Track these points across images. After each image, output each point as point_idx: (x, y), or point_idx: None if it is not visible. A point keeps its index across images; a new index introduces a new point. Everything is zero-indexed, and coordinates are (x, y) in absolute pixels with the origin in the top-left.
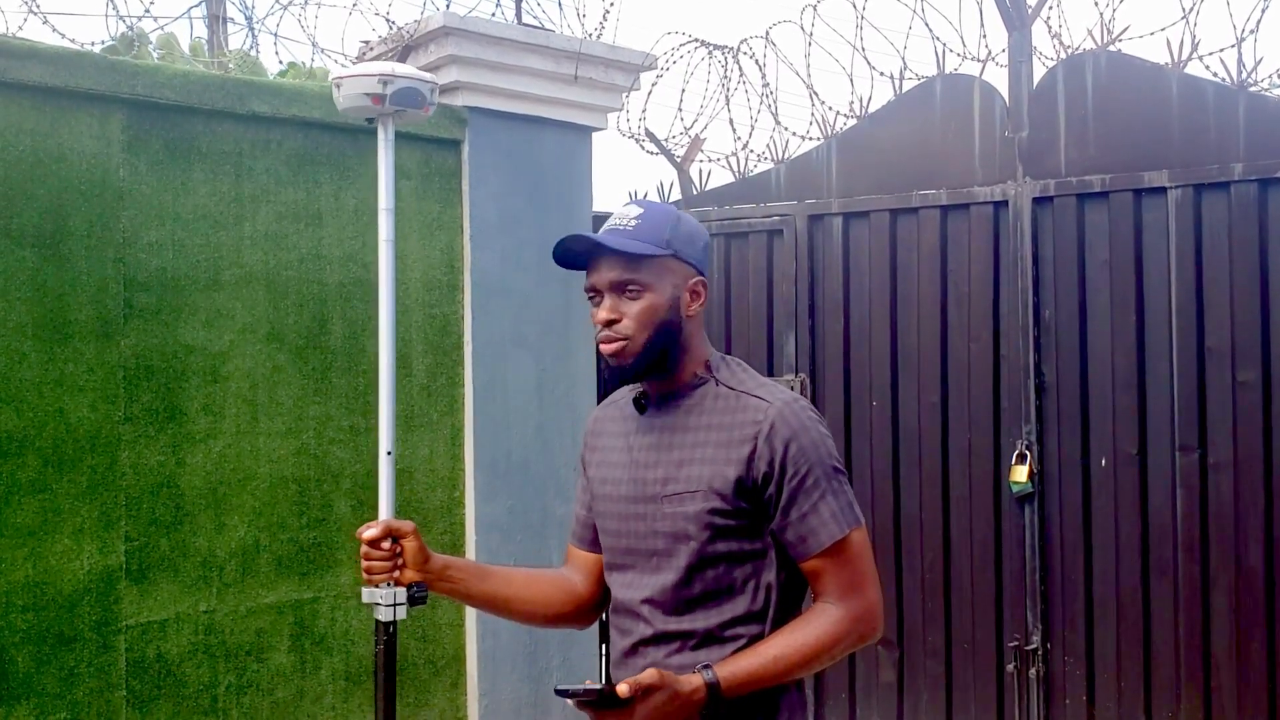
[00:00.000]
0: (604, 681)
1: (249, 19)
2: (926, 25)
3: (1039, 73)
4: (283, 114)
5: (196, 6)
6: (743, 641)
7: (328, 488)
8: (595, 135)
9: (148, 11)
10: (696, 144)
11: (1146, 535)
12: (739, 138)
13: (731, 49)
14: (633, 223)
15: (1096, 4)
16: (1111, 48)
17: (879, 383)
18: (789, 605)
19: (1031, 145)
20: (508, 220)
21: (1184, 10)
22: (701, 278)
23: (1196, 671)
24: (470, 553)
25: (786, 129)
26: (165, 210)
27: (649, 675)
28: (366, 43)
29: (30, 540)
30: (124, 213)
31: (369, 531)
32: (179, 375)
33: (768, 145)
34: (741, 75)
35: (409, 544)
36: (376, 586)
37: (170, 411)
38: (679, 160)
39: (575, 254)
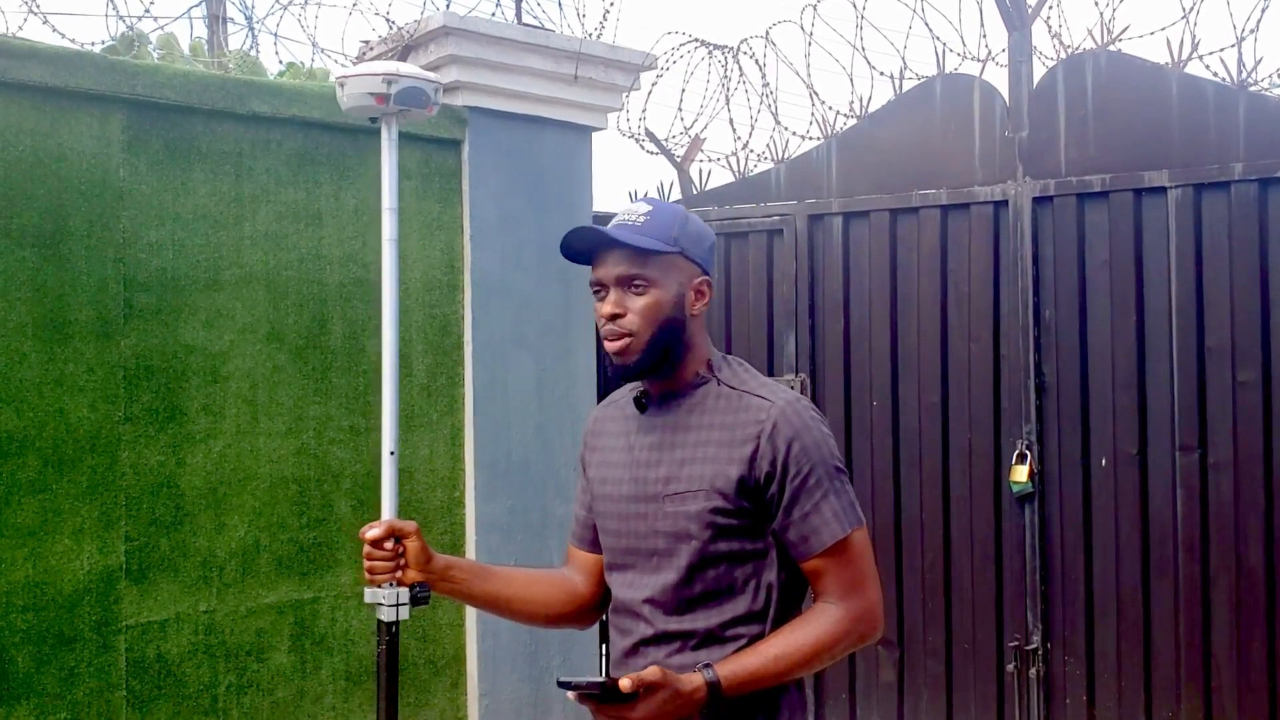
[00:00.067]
0: (606, 677)
1: (249, 19)
2: (926, 25)
3: (1039, 72)
4: (283, 114)
5: (196, 6)
6: (743, 641)
7: (328, 488)
8: (595, 135)
9: (148, 11)
10: (696, 144)
11: (1147, 535)
12: (739, 138)
13: (731, 49)
14: (641, 219)
15: (1096, 4)
16: (1111, 47)
17: (879, 383)
18: (789, 605)
19: (1031, 145)
20: (508, 220)
21: (1184, 10)
22: (707, 277)
23: (1196, 671)
24: (470, 553)
25: (786, 129)
26: (165, 210)
27: (652, 672)
28: (366, 43)
29: (30, 540)
30: (124, 213)
31: (372, 532)
32: (179, 375)
33: (768, 145)
34: (741, 75)
35: (411, 544)
36: (379, 587)
37: (170, 411)
38: (679, 160)
39: (581, 248)
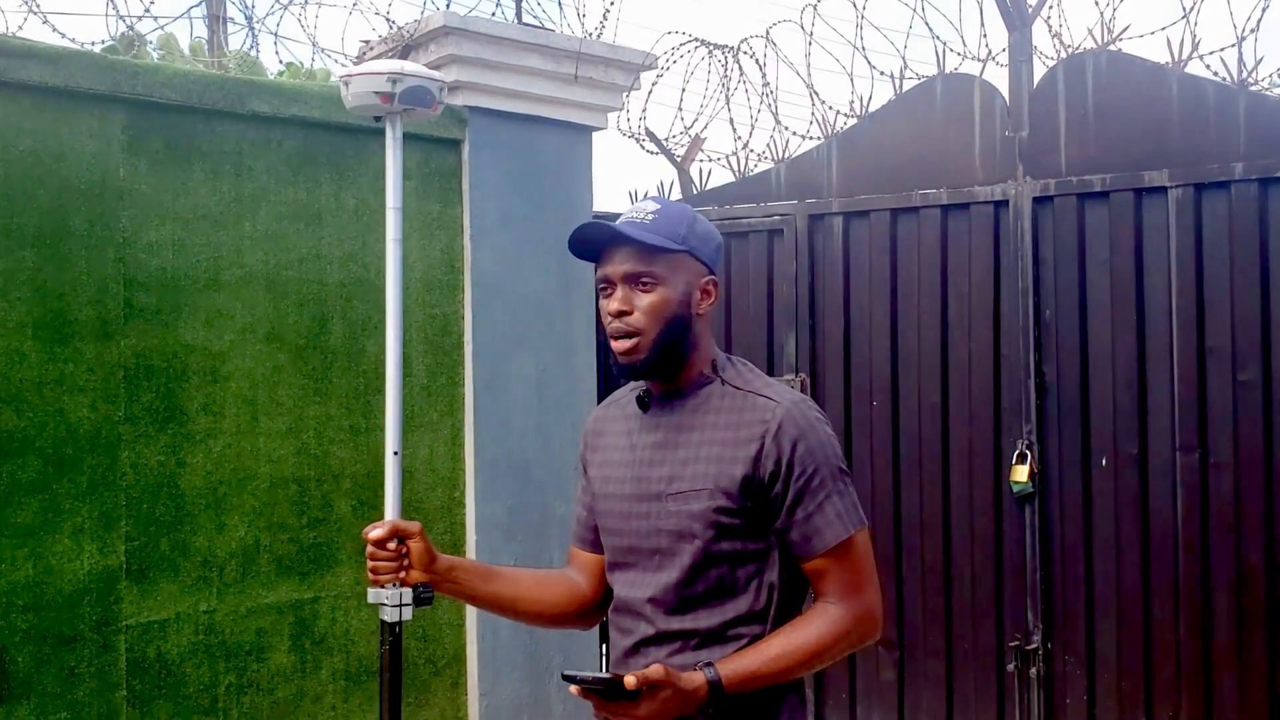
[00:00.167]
0: (610, 673)
1: (249, 19)
2: (927, 25)
3: (1039, 72)
4: (283, 114)
5: (196, 6)
6: (744, 641)
7: (328, 488)
8: (595, 135)
9: (148, 11)
10: (696, 143)
11: (1147, 535)
12: (739, 137)
13: (731, 49)
14: (650, 216)
15: (1097, 3)
16: (1112, 47)
17: (879, 382)
18: (790, 605)
19: (1032, 145)
20: (508, 220)
21: (1184, 10)
22: (714, 277)
23: (1196, 671)
24: (471, 552)
25: (786, 128)
26: (165, 210)
27: (656, 670)
28: (366, 42)
29: (30, 540)
30: (124, 213)
31: (375, 532)
32: (179, 375)
33: (768, 145)
34: (741, 75)
35: (415, 545)
36: (382, 587)
37: (170, 411)
38: (679, 160)
39: (589, 245)
